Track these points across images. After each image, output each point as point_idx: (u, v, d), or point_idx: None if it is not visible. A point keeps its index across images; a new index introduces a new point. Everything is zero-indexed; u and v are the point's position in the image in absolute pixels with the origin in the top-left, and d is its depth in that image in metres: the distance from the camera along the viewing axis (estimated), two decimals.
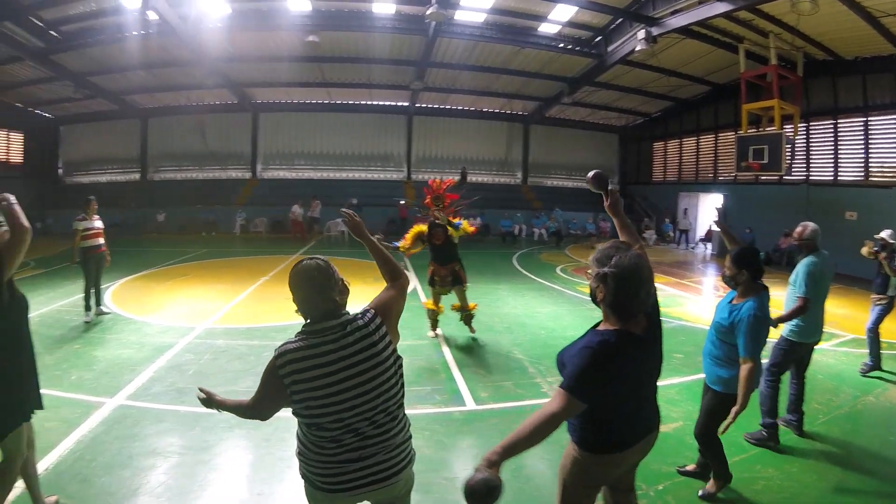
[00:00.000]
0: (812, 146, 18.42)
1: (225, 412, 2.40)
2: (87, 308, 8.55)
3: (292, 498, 3.79)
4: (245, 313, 9.35)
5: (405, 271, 2.55)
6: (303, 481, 2.31)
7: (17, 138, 24.83)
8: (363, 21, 16.88)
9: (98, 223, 8.74)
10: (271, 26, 17.03)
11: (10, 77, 20.57)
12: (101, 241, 8.76)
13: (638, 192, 27.47)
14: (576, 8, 15.97)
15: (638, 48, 15.89)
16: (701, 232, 23.17)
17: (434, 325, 7.99)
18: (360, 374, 2.15)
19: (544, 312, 9.41)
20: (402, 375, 2.32)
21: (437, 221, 7.55)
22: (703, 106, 23.36)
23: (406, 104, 25.14)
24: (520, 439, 2.00)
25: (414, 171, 26.79)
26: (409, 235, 7.78)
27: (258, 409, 2.31)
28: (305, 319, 2.24)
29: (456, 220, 7.65)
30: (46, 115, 25.97)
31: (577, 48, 18.51)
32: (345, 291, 2.27)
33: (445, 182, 7.82)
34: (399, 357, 2.31)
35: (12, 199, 3.12)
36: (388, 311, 2.35)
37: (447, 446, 4.70)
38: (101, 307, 8.97)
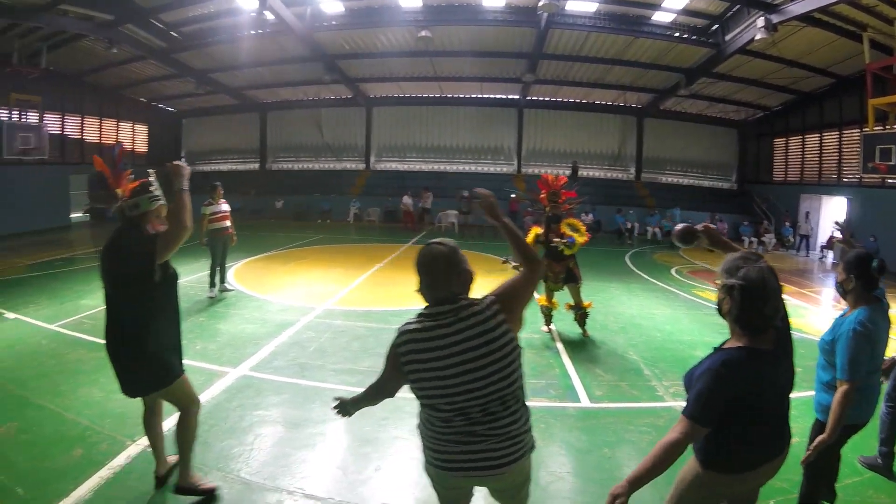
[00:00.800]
0: None
1: (363, 407, 2.59)
2: (212, 285, 9.69)
3: (407, 474, 4.07)
4: (362, 297, 10.08)
5: (539, 257, 2.54)
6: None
7: (141, 130, 28.14)
8: (473, 14, 17.83)
9: (224, 206, 9.86)
10: (383, 23, 18.42)
11: (136, 74, 23.63)
12: (228, 223, 9.89)
13: (757, 192, 26.29)
14: None
15: (757, 37, 15.45)
16: (823, 238, 21.22)
17: (548, 321, 8.15)
18: (474, 360, 2.17)
19: (660, 314, 9.44)
20: (520, 365, 2.30)
21: (551, 216, 7.60)
22: (827, 99, 21.94)
23: (517, 97, 25.97)
24: (645, 471, 2.03)
25: (524, 165, 27.46)
26: (528, 240, 7.35)
27: (383, 386, 2.48)
28: (426, 302, 2.33)
29: (567, 237, 7.50)
30: (169, 108, 29.63)
31: (693, 37, 18.43)
32: (468, 280, 2.33)
33: (560, 179, 7.90)
34: (518, 346, 2.29)
35: (186, 184, 3.40)
36: (514, 297, 2.35)
37: (559, 441, 4.79)
38: (226, 284, 10.11)
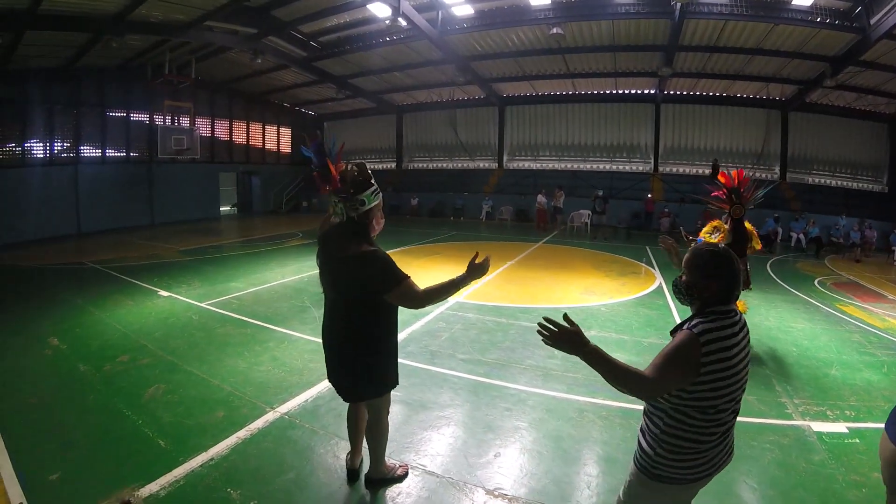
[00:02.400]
0: None
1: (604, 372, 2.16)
2: None
3: (525, 463, 4.10)
4: (492, 292, 9.93)
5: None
6: (650, 481, 2.35)
7: (285, 132, 30.33)
8: (604, 8, 17.12)
9: None
10: (514, 23, 18.21)
11: (279, 82, 25.43)
12: None
13: None
14: None
15: None
16: None
17: None
18: (747, 359, 2.25)
19: (798, 329, 8.49)
20: None
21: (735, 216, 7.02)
22: None
23: (653, 92, 24.59)
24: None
25: (661, 163, 25.99)
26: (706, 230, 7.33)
27: (657, 384, 2.16)
28: (723, 302, 2.27)
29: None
30: (311, 112, 31.57)
31: (836, 22, 16.64)
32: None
33: (743, 175, 7.16)
34: None
35: (462, 282, 3.44)
36: None
37: None
38: None
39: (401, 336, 6.61)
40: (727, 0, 16.00)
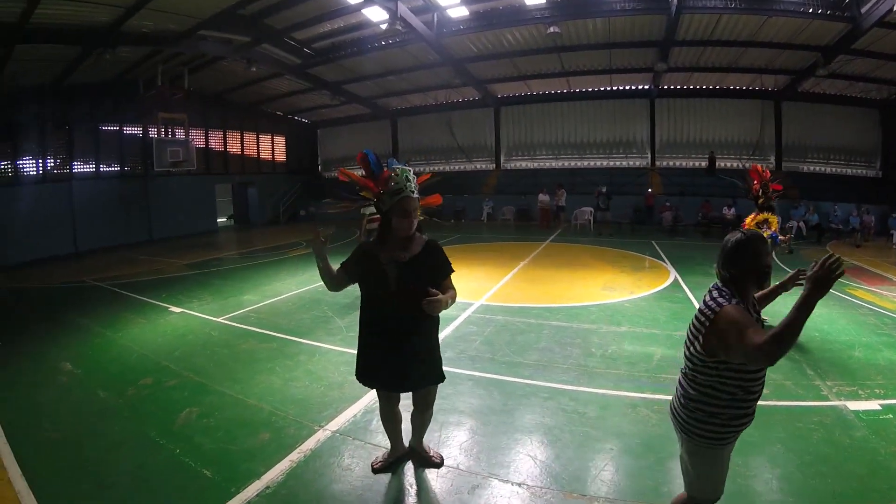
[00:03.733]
0: None
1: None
2: None
3: (590, 465, 3.99)
4: (513, 293, 9.78)
5: None
6: (703, 441, 2.56)
7: (280, 141, 29.80)
8: (602, 6, 17.01)
9: None
10: (510, 23, 17.97)
11: (272, 90, 24.99)
12: None
13: None
14: None
15: None
16: None
17: None
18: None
19: (816, 314, 8.00)
20: None
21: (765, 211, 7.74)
22: None
23: (647, 87, 24.40)
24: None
25: (658, 157, 25.92)
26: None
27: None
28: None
29: (770, 231, 7.63)
30: (304, 120, 31.14)
31: (828, 12, 16.71)
32: None
33: (766, 172, 7.90)
34: None
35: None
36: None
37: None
38: None
39: None
40: None
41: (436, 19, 17.56)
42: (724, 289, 2.49)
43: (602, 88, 24.94)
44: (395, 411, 3.80)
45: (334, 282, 3.50)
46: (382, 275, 3.32)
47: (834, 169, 24.43)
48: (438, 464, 3.94)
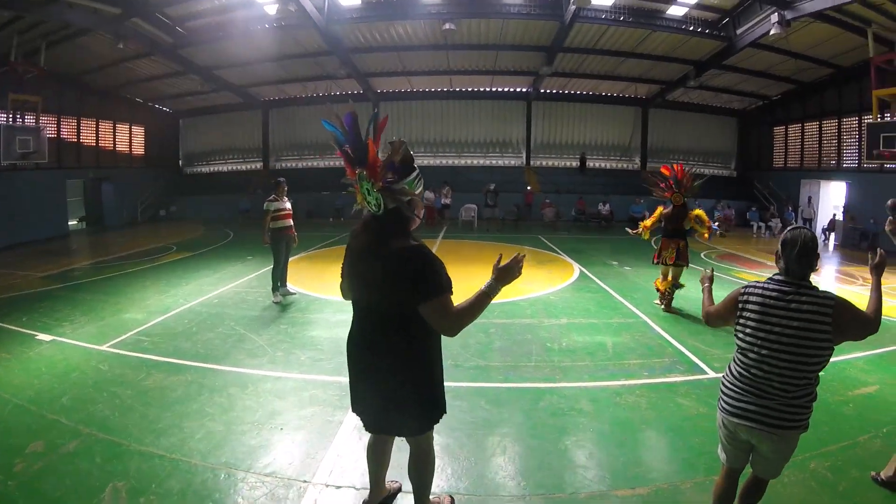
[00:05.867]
0: None
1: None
2: (275, 289, 8.80)
3: (620, 454, 3.98)
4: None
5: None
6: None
7: (138, 131, 26.44)
8: (499, 7, 17.14)
9: (288, 204, 8.82)
10: (405, 16, 17.52)
11: (137, 73, 22.01)
12: (291, 221, 8.89)
13: (758, 179, 26.37)
14: None
15: (772, 32, 15.75)
16: (824, 221, 22.18)
17: (665, 301, 8.50)
18: (785, 325, 2.51)
19: (722, 296, 8.63)
20: (820, 361, 2.52)
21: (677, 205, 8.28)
22: (826, 89, 22.32)
23: (527, 90, 25.19)
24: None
25: (533, 157, 26.87)
26: (651, 221, 8.78)
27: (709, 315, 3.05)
28: (781, 273, 2.66)
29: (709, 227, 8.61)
30: (166, 109, 27.83)
31: (707, 31, 18.39)
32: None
33: (682, 169, 8.36)
34: (826, 349, 2.50)
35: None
36: (853, 321, 2.58)
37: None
38: (287, 287, 9.14)
39: None
40: (609, 5, 16.68)
41: (327, 5, 16.66)
42: (810, 283, 2.60)
43: (483, 89, 25.28)
44: (377, 442, 3.05)
45: None
46: (353, 273, 2.76)
47: (694, 169, 26.54)
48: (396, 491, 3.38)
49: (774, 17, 15.35)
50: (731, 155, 28.35)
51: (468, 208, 21.35)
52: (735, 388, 2.67)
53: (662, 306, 8.36)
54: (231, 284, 10.05)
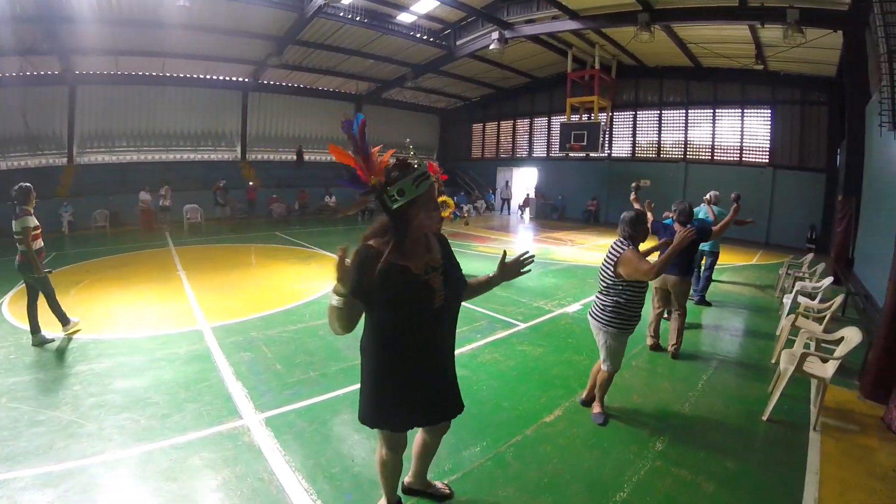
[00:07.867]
0: (615, 130, 23.59)
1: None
2: (65, 323, 6.85)
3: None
4: (226, 307, 8.14)
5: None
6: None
7: None
8: None
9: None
10: None
11: None
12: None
13: (460, 168, 30.89)
14: (437, 3, 17.28)
15: (492, 47, 18.09)
16: (519, 199, 28.27)
17: None
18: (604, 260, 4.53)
19: (475, 266, 11.60)
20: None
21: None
22: (521, 95, 27.75)
23: (245, 79, 23.48)
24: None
25: (249, 151, 25.48)
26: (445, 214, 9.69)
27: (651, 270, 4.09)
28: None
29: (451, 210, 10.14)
30: None
31: (431, 39, 20.04)
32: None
33: (430, 164, 8.52)
34: None
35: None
36: None
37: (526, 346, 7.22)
38: (42, 333, 6.56)
39: (208, 394, 4.97)
40: (347, 4, 16.73)
41: None
42: (623, 241, 4.22)
43: (198, 76, 22.66)
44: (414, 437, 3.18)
45: (354, 319, 2.44)
46: (427, 289, 2.52)
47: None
48: (450, 494, 3.50)
49: (495, 35, 17.63)
50: (434, 148, 32.45)
51: (192, 209, 19.08)
52: (635, 313, 4.24)
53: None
54: None
